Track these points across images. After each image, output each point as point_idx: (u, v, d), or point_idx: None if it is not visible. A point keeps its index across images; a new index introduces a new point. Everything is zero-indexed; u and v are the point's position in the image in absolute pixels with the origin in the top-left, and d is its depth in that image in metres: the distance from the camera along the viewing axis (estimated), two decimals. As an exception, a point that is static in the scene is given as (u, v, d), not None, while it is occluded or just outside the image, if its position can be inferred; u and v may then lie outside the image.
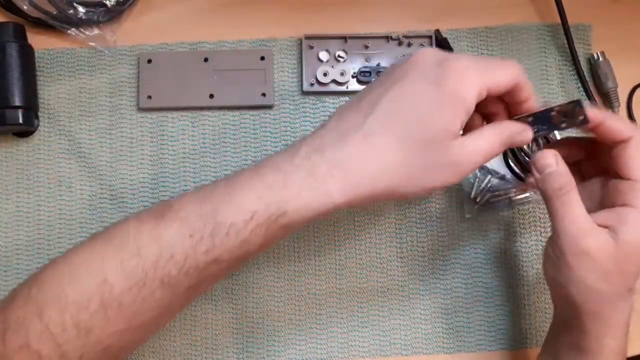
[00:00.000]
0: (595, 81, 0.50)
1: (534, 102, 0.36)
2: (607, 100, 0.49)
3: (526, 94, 0.35)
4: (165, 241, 0.33)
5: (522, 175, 0.47)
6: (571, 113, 0.36)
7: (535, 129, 0.36)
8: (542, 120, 0.36)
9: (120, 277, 0.32)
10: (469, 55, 0.35)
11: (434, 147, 0.33)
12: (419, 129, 0.33)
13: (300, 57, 0.50)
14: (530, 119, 0.36)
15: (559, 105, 0.36)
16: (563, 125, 0.36)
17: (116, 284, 0.32)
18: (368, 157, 0.33)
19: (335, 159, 0.33)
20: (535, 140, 0.43)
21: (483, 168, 0.49)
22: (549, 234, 0.49)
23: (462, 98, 0.32)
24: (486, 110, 0.37)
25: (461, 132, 0.34)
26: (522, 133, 0.36)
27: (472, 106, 0.33)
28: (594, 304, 0.35)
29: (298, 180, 0.33)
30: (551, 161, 0.36)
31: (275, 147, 0.49)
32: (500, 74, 0.33)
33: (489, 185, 0.49)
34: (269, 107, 0.50)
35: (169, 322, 0.36)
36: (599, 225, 0.35)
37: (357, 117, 0.34)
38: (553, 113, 0.36)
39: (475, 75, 0.33)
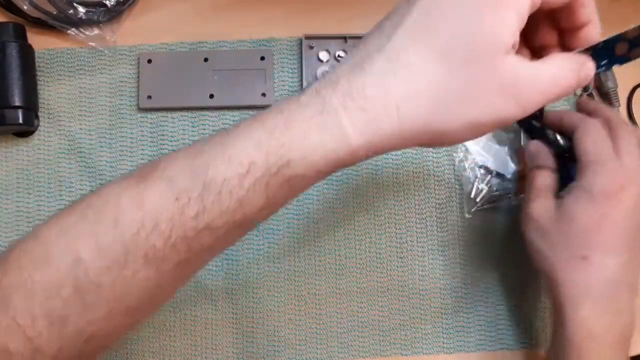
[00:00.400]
0: (595, 81, 0.50)
1: (596, 27, 0.30)
2: (607, 100, 0.49)
3: (588, 14, 0.29)
4: (147, 208, 0.27)
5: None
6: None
7: (597, 64, 0.31)
8: (605, 53, 0.31)
9: (95, 254, 0.27)
10: None
11: (481, 63, 0.26)
12: (460, 39, 0.26)
13: (300, 57, 0.50)
14: (590, 52, 0.30)
15: (625, 32, 0.31)
16: (630, 55, 0.31)
17: (91, 263, 0.27)
18: (393, 80, 0.26)
19: (350, 89, 0.26)
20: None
21: (482, 167, 0.49)
22: (549, 234, 0.49)
23: None
24: (535, 43, 0.31)
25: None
26: (587, 64, 0.29)
27: (524, 11, 0.26)
28: (546, 267, 0.39)
29: (304, 120, 0.27)
30: (533, 148, 0.42)
31: (275, 147, 0.49)
32: None
33: (489, 185, 0.49)
34: (269, 107, 0.50)
35: (163, 303, 0.32)
36: (574, 188, 0.38)
37: (380, 39, 0.27)
38: (619, 42, 0.31)
39: None
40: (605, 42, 0.31)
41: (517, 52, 0.27)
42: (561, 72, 0.28)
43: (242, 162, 0.27)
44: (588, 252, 0.36)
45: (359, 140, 0.27)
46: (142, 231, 0.27)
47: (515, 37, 0.26)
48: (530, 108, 0.27)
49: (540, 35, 0.31)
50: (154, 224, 0.27)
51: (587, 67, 0.29)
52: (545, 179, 0.40)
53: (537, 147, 0.42)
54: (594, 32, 0.30)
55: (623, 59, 0.31)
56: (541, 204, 0.39)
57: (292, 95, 0.48)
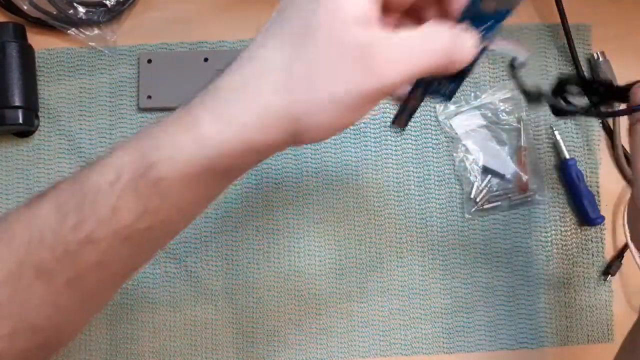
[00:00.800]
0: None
1: None
2: (607, 100, 0.49)
3: None
4: (37, 222, 0.28)
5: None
6: None
7: (479, 29, 0.28)
8: (475, 14, 0.28)
9: None
10: None
11: (332, 33, 0.25)
12: (305, 19, 0.25)
13: (300, 57, 0.50)
14: (469, 20, 0.28)
15: None
16: (497, 9, 0.28)
17: None
18: (248, 73, 0.26)
19: (210, 89, 0.27)
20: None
21: (482, 167, 0.49)
22: (548, 235, 0.49)
23: None
24: (419, 15, 0.30)
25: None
26: (462, 34, 0.28)
27: None
28: None
29: (168, 123, 0.27)
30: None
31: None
32: None
33: (489, 185, 0.49)
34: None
35: (72, 329, 0.31)
36: None
37: (250, 46, 0.27)
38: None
39: None
40: (468, 3, 0.28)
41: (401, 24, 0.28)
42: (429, 38, 0.26)
43: (112, 168, 0.27)
44: None
45: (218, 137, 0.26)
46: (32, 243, 0.27)
47: (366, 7, 0.25)
48: (393, 79, 0.25)
49: (418, 6, 0.29)
50: (41, 237, 0.27)
51: (462, 35, 0.27)
52: None
53: None
54: None
55: (502, 15, 0.28)
56: None
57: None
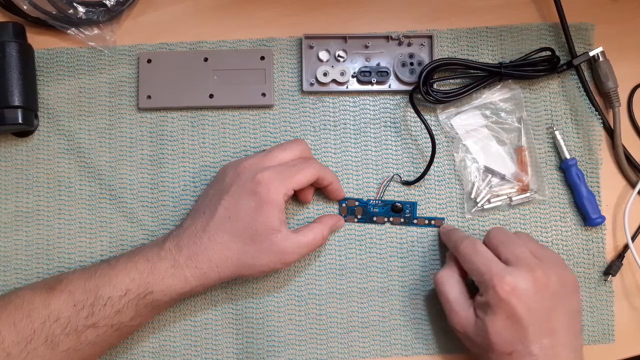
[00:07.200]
0: (595, 81, 0.50)
1: (336, 184, 0.47)
2: (608, 100, 0.49)
3: (327, 181, 0.46)
4: (53, 308, 0.41)
5: None
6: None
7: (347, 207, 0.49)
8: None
9: (12, 333, 0.40)
10: (277, 167, 0.44)
11: (261, 240, 0.43)
12: (247, 228, 0.43)
13: (300, 57, 0.50)
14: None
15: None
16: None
17: (7, 337, 0.40)
18: (213, 251, 0.43)
19: (190, 254, 0.43)
20: None
21: (482, 167, 0.49)
22: (549, 235, 0.49)
23: (272, 201, 0.43)
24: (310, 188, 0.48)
25: (284, 226, 0.44)
26: (339, 222, 0.49)
27: (281, 204, 0.43)
28: None
29: (162, 269, 0.43)
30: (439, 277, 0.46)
31: (275, 147, 0.49)
32: (299, 177, 0.44)
33: (489, 185, 0.49)
34: (269, 107, 0.50)
35: None
36: (478, 304, 0.43)
37: (203, 222, 0.44)
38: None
39: (279, 183, 0.43)
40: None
41: (305, 192, 0.48)
42: (316, 240, 0.45)
43: (122, 288, 0.42)
44: (511, 348, 0.41)
45: (196, 283, 0.43)
46: (47, 321, 0.40)
47: (281, 218, 0.43)
48: (290, 263, 0.45)
49: (306, 194, 0.49)
50: (56, 318, 0.41)
51: (340, 222, 0.49)
52: (455, 292, 0.44)
53: (442, 276, 0.46)
54: (336, 186, 0.48)
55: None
56: (462, 317, 0.43)
57: (291, 94, 0.47)
